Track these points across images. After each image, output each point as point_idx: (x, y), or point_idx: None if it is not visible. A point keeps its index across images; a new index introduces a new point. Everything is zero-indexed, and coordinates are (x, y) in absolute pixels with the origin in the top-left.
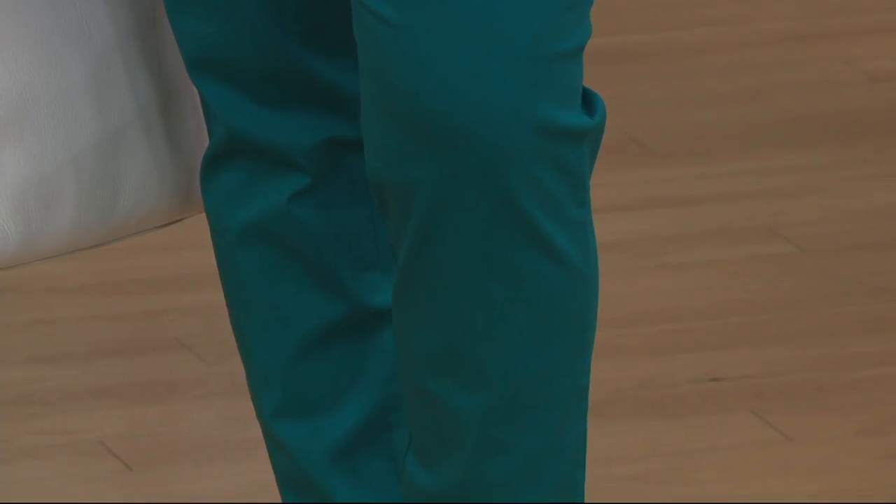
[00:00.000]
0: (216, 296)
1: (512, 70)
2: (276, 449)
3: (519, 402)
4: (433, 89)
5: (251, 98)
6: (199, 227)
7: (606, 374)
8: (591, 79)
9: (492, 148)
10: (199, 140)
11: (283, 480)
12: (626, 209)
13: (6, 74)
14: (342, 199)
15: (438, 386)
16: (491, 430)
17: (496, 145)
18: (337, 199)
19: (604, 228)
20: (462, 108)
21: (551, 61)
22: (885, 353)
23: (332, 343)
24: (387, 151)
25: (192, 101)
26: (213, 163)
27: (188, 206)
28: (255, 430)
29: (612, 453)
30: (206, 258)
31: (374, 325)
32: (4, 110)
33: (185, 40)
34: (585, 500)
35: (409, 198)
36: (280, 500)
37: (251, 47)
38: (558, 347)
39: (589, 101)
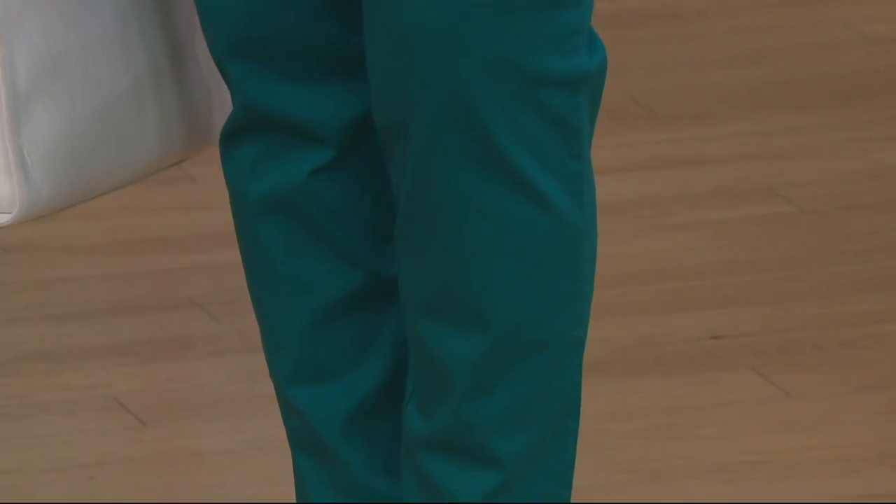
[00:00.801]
0: (228, 255)
1: (493, 16)
2: (290, 412)
3: (508, 346)
4: (420, 30)
5: (284, 76)
6: (210, 188)
7: (609, 332)
8: None
9: (474, 92)
10: (205, 84)
11: (296, 442)
12: (629, 170)
13: (38, 35)
14: (363, 175)
15: (433, 331)
16: (481, 374)
17: (477, 89)
18: (358, 174)
19: (606, 189)
20: (446, 51)
21: (537, 8)
22: (884, 311)
23: (347, 312)
24: (385, 94)
25: (196, 50)
26: (234, 134)
27: (198, 145)
28: (267, 387)
29: (615, 409)
30: (217, 218)
31: (388, 295)
32: (37, 69)
33: (219, 23)
34: (588, 455)
35: (404, 141)
36: (291, 460)
37: (287, 22)
38: (548, 295)
39: (590, 47)
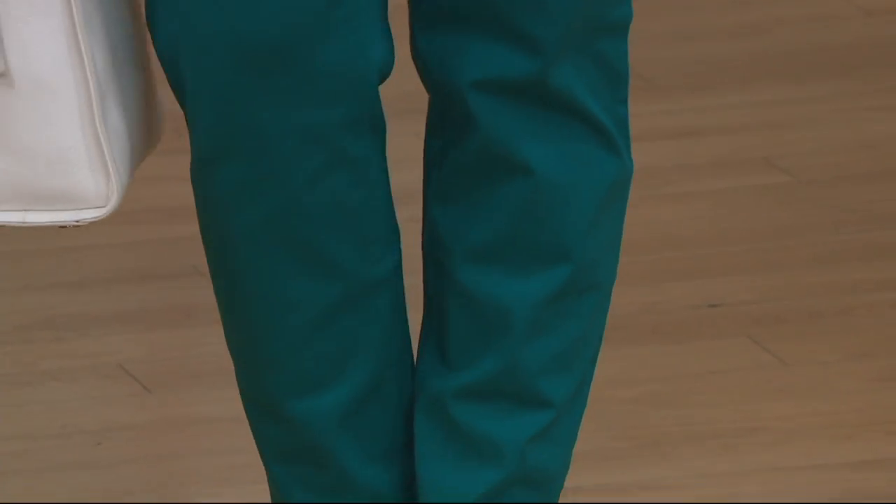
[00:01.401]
0: None
1: None
2: (276, 424)
3: (572, 286)
4: None
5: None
6: None
7: None
8: None
9: (541, 40)
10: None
11: (275, 455)
12: None
13: (101, 27)
14: (355, 180)
15: (490, 278)
16: (539, 316)
17: (553, 45)
18: (350, 180)
19: None
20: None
21: None
22: (879, 279)
23: (331, 321)
24: (444, 52)
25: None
26: (207, 165)
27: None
28: None
29: (613, 376)
30: None
31: (369, 295)
32: (106, 62)
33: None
34: (586, 422)
35: (462, 93)
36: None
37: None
38: (607, 235)
39: None
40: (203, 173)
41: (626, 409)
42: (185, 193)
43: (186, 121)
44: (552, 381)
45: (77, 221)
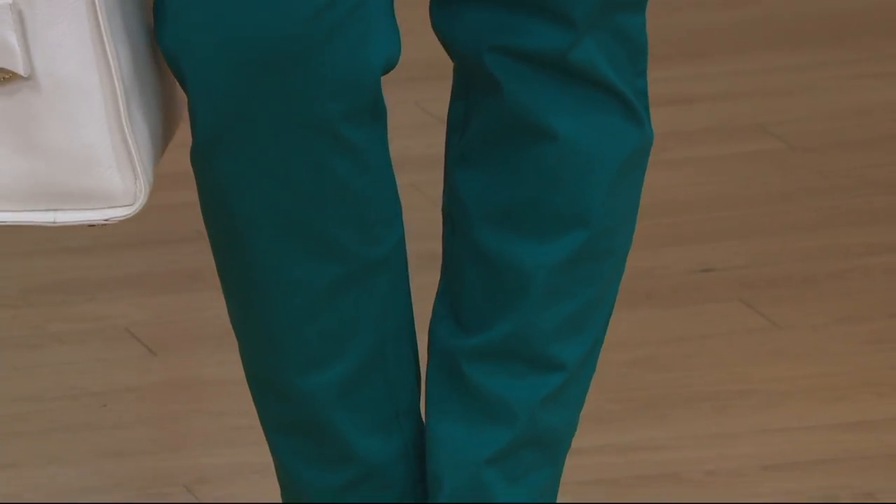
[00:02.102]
0: None
1: None
2: (278, 400)
3: (589, 251)
4: None
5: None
6: None
7: None
8: None
9: (570, 17)
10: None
11: (277, 427)
12: None
13: (123, 29)
14: (361, 161)
15: (509, 241)
16: (557, 281)
17: (575, 16)
18: (355, 163)
19: None
20: None
21: None
22: (870, 244)
23: (333, 301)
24: (467, 23)
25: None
26: (207, 152)
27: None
28: None
29: (608, 341)
30: None
31: (371, 274)
32: (129, 62)
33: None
34: None
35: (486, 60)
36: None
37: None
38: (625, 202)
39: None
40: (203, 160)
41: (621, 372)
42: (187, 159)
43: (188, 106)
44: (565, 344)
45: (106, 220)
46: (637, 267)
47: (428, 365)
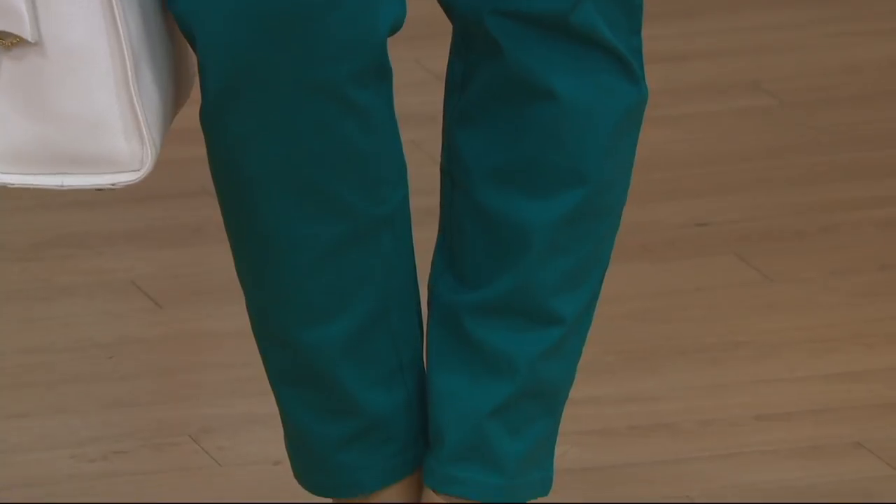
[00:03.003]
0: None
1: None
2: (284, 352)
3: (587, 208)
4: None
5: None
6: None
7: None
8: None
9: None
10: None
11: (283, 379)
12: None
13: (134, 19)
14: (362, 129)
15: (510, 198)
16: (557, 236)
17: None
18: (357, 129)
19: None
20: None
21: None
22: (860, 198)
23: (338, 257)
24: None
25: None
26: (216, 112)
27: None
28: None
29: (605, 294)
30: None
31: (375, 231)
32: (139, 27)
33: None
34: None
35: (485, 21)
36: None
37: None
38: (622, 159)
39: None
40: (212, 120)
41: (617, 324)
42: (193, 115)
43: (198, 67)
44: (564, 299)
45: (113, 185)
46: (633, 221)
47: (428, 319)
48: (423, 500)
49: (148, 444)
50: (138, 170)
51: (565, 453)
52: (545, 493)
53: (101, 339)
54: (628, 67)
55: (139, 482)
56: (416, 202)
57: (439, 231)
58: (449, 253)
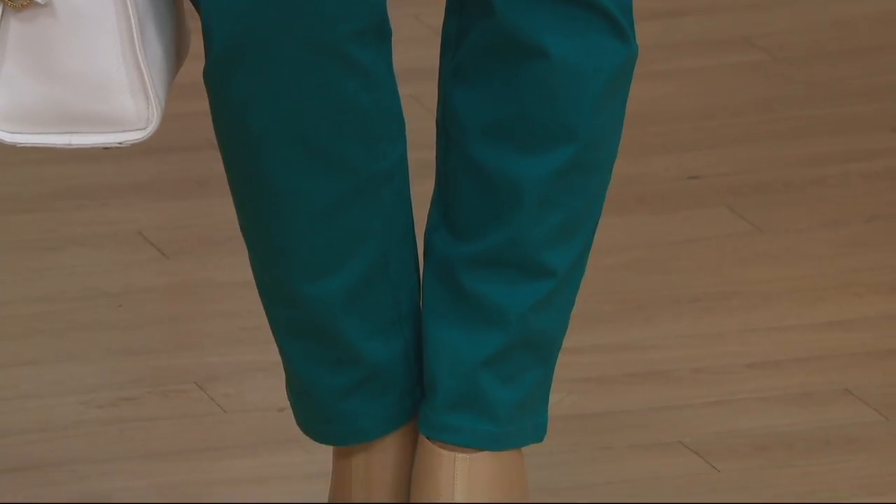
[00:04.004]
0: None
1: None
2: (286, 305)
3: (579, 163)
4: None
5: None
6: None
7: None
8: None
9: None
10: None
11: (286, 330)
12: None
13: None
14: (364, 87)
15: (503, 154)
16: (548, 191)
17: None
18: (359, 87)
19: None
20: None
21: None
22: (849, 151)
23: (340, 212)
24: None
25: None
26: (220, 72)
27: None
28: None
29: (600, 245)
30: None
31: (376, 186)
32: (143, 6)
33: None
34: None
35: None
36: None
37: None
38: (612, 116)
39: None
40: (216, 79)
41: (612, 275)
42: (198, 71)
43: (202, 27)
44: (555, 251)
45: (120, 143)
46: (627, 174)
47: (424, 271)
48: (417, 447)
49: (155, 392)
50: (144, 128)
51: (561, 400)
52: (539, 439)
53: (108, 289)
54: (618, 26)
55: (146, 428)
56: (416, 155)
57: (435, 185)
58: (443, 207)
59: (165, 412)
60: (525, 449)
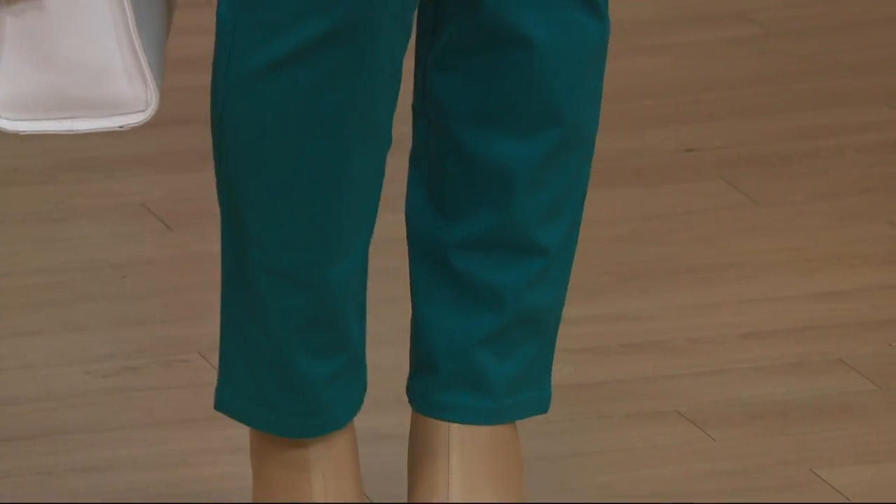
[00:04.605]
0: None
1: None
2: (304, 293)
3: (565, 143)
4: None
5: None
6: None
7: None
8: None
9: None
10: None
11: (296, 324)
12: None
13: None
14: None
15: (491, 139)
16: (537, 173)
17: None
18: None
19: None
20: None
21: None
22: (842, 124)
23: (370, 183)
24: None
25: None
26: (254, 76)
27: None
28: None
29: (597, 217)
30: None
31: (386, 155)
32: None
33: None
34: (574, 259)
35: None
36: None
37: None
38: (592, 94)
39: None
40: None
41: (610, 246)
42: (201, 44)
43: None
44: (546, 229)
45: (121, 126)
46: (624, 147)
47: (410, 255)
48: (413, 427)
49: (159, 361)
50: (144, 110)
51: (559, 370)
52: (543, 410)
53: (113, 260)
54: (594, 3)
55: (150, 397)
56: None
57: (413, 166)
58: (426, 189)
59: (169, 381)
60: None
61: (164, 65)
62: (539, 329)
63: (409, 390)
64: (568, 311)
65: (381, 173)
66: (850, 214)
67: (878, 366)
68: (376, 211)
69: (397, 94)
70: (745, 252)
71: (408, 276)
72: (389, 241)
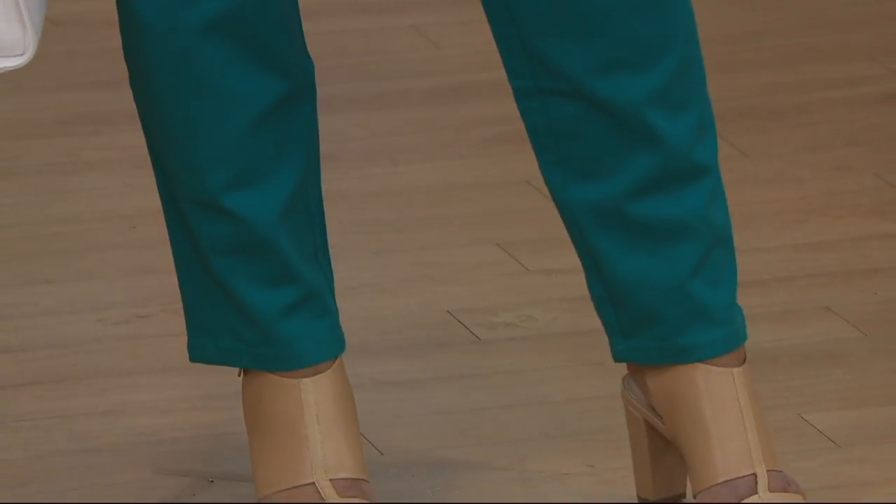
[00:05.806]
0: None
1: None
2: (221, 220)
3: (684, 64)
4: None
5: None
6: None
7: None
8: None
9: None
10: None
11: (221, 248)
12: None
13: None
14: None
15: (617, 83)
16: (673, 96)
17: None
18: None
19: None
20: None
21: None
22: (831, 78)
23: (274, 117)
24: None
25: None
26: None
27: None
28: None
29: None
30: None
31: (301, 97)
32: None
33: None
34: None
35: None
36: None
37: None
38: (684, 11)
39: None
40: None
41: None
42: None
43: None
44: (701, 147)
45: None
46: None
47: (584, 235)
48: (647, 381)
49: (168, 309)
50: (22, 54)
51: (555, 319)
52: (747, 335)
53: (123, 211)
54: None
55: (160, 344)
56: (418, 84)
57: (540, 155)
58: (569, 167)
59: (177, 328)
60: (520, 364)
61: (45, 10)
62: (729, 245)
63: (628, 350)
64: (561, 261)
65: (295, 109)
66: (837, 167)
67: (863, 314)
68: (299, 149)
69: (301, 34)
70: (734, 203)
71: (409, 226)
72: (390, 194)
